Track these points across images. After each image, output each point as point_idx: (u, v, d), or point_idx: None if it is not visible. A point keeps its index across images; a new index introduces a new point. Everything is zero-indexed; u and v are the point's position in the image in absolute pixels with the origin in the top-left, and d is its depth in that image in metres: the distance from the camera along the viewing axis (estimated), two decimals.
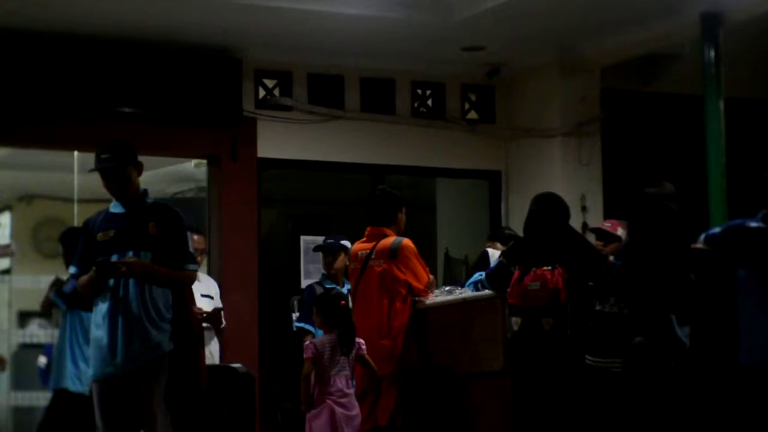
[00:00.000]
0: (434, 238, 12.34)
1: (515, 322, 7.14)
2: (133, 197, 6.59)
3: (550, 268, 7.06)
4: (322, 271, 9.57)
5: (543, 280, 7.04)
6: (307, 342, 8.00)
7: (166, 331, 6.49)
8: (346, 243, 9.21)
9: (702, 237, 6.75)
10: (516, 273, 7.19)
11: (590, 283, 7.13)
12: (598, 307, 6.57)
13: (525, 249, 7.36)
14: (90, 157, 10.67)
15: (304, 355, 8.06)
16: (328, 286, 9.17)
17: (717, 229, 6.80)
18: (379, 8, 9.92)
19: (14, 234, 13.82)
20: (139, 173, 6.65)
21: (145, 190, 6.66)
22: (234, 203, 10.71)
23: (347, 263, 9.24)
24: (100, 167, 6.58)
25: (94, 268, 6.41)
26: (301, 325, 9.31)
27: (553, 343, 7.00)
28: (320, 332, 8.69)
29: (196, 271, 6.77)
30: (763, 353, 6.53)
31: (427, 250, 9.96)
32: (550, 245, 7.21)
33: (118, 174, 6.55)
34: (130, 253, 6.45)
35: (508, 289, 7.21)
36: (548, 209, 7.38)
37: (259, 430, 9.51)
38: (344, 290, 9.14)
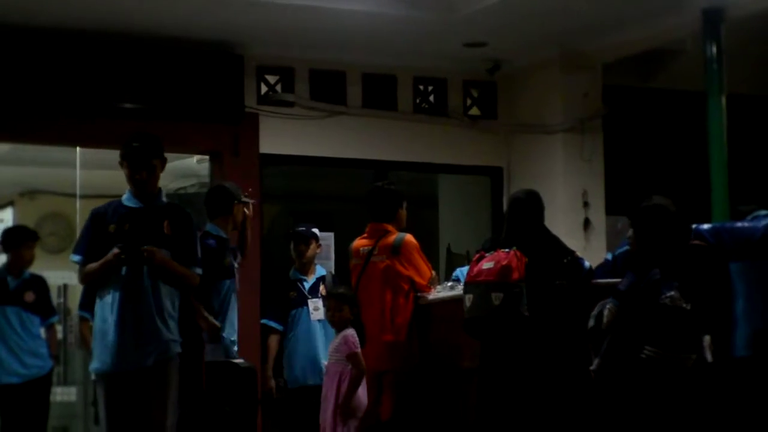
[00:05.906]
0: (436, 234, 12.35)
1: (468, 299, 7.14)
2: (151, 192, 6.54)
3: (507, 250, 7.08)
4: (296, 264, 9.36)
5: (497, 259, 7.05)
6: (354, 337, 7.77)
7: (175, 333, 6.42)
8: (317, 231, 9.17)
9: (693, 231, 6.74)
10: (476, 256, 7.25)
11: (557, 282, 7.17)
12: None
13: (498, 238, 7.41)
14: (92, 153, 10.83)
15: (356, 351, 7.76)
16: (300, 277, 9.11)
17: (706, 226, 6.82)
18: (381, 4, 9.92)
19: None
20: (163, 168, 6.59)
21: (160, 189, 6.62)
22: None
23: (317, 252, 9.21)
24: (129, 153, 6.47)
25: (116, 248, 6.29)
26: (268, 322, 9.25)
27: (505, 318, 6.98)
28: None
29: (201, 276, 6.65)
30: (753, 345, 6.57)
31: (429, 246, 9.96)
32: (519, 233, 7.25)
33: (145, 162, 6.47)
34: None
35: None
36: (529, 203, 7.42)
37: (261, 425, 9.51)
38: (314, 279, 9.14)
